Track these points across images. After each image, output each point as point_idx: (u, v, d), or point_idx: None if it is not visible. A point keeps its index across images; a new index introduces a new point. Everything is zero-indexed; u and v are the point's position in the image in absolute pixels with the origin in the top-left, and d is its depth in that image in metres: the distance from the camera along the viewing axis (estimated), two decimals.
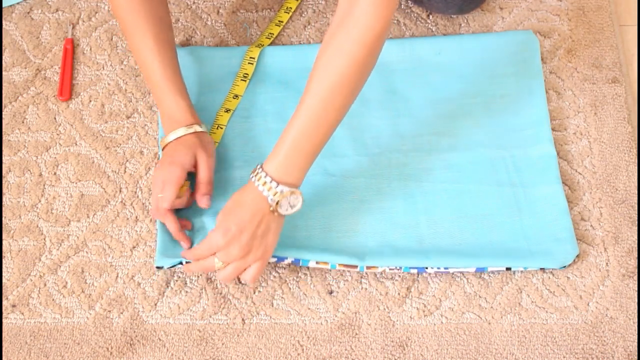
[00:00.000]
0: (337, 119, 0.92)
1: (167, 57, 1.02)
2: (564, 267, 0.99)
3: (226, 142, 1.09)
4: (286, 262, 1.00)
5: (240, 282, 1.01)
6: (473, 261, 0.98)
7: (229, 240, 0.92)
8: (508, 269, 0.99)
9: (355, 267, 0.99)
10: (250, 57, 1.13)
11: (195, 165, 1.00)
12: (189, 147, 1.00)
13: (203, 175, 1.00)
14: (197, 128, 1.02)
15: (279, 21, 1.17)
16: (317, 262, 0.99)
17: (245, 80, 1.12)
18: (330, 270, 1.02)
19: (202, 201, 1.00)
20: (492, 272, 1.00)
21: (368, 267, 0.99)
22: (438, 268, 0.99)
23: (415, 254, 1.00)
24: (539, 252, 0.99)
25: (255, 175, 0.93)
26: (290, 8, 1.18)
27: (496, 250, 1.00)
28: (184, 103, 1.02)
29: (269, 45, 1.16)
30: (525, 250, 1.00)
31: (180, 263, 0.99)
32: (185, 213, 1.03)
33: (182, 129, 1.01)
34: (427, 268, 0.99)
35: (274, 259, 0.99)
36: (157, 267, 1.01)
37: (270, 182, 0.91)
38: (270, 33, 1.16)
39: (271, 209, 0.92)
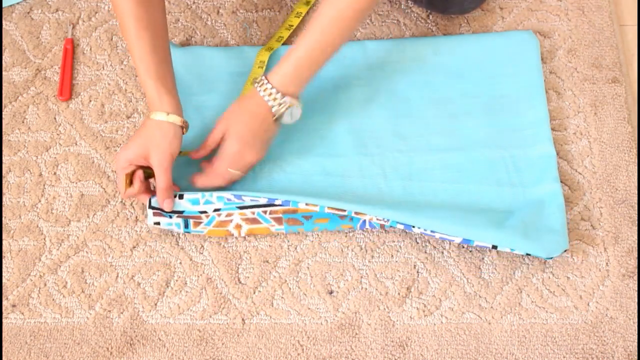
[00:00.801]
0: (344, 40, 0.99)
1: (153, 43, 1.00)
2: (550, 258, 0.99)
3: None
4: (276, 202, 1.00)
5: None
6: (461, 229, 0.98)
7: (243, 145, 0.99)
8: (494, 247, 0.98)
9: (344, 211, 1.00)
10: (260, 61, 1.13)
11: (148, 160, 1.00)
12: (145, 143, 0.99)
13: (159, 182, 0.99)
14: (175, 119, 0.99)
15: (289, 25, 1.17)
16: (306, 204, 1.00)
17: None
18: (330, 270, 1.02)
19: (163, 206, 1.00)
20: (478, 247, 0.99)
21: (356, 214, 1.00)
22: (425, 230, 0.99)
23: (404, 211, 1.00)
24: (529, 237, 0.98)
25: (260, 85, 0.98)
26: (301, 13, 1.18)
27: (486, 226, 0.99)
28: (163, 90, 1.00)
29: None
30: (516, 232, 0.99)
31: (172, 214, 1.01)
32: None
33: (162, 114, 0.99)
34: (413, 227, 0.99)
35: (265, 199, 1.00)
36: (150, 209, 1.02)
37: (276, 93, 0.98)
38: (280, 36, 1.16)
39: (274, 118, 0.99)
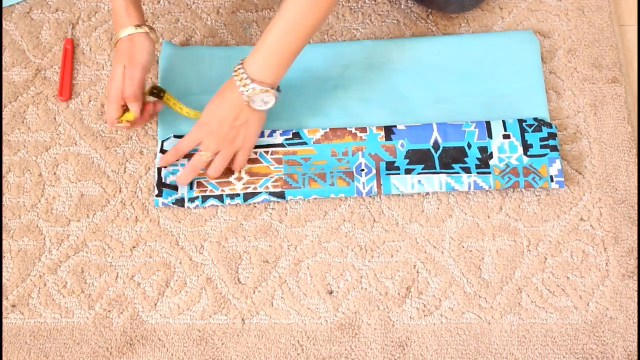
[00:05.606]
0: (316, 26, 0.96)
1: None
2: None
3: None
4: (278, 131, 1.08)
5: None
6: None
7: (208, 132, 1.00)
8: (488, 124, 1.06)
9: (344, 132, 1.07)
10: None
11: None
12: (124, 62, 1.02)
13: (126, 89, 1.02)
14: (146, 29, 1.03)
15: None
16: (307, 131, 1.08)
17: None
18: (330, 270, 1.02)
19: (137, 111, 1.04)
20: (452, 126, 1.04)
21: (357, 129, 1.08)
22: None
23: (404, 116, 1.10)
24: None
25: (236, 72, 0.98)
26: None
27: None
28: (131, 4, 1.03)
29: None
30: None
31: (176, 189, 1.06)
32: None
33: (131, 28, 1.03)
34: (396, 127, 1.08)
35: (268, 131, 1.08)
36: (161, 152, 1.07)
37: (246, 79, 0.96)
38: None
39: (246, 103, 0.98)
